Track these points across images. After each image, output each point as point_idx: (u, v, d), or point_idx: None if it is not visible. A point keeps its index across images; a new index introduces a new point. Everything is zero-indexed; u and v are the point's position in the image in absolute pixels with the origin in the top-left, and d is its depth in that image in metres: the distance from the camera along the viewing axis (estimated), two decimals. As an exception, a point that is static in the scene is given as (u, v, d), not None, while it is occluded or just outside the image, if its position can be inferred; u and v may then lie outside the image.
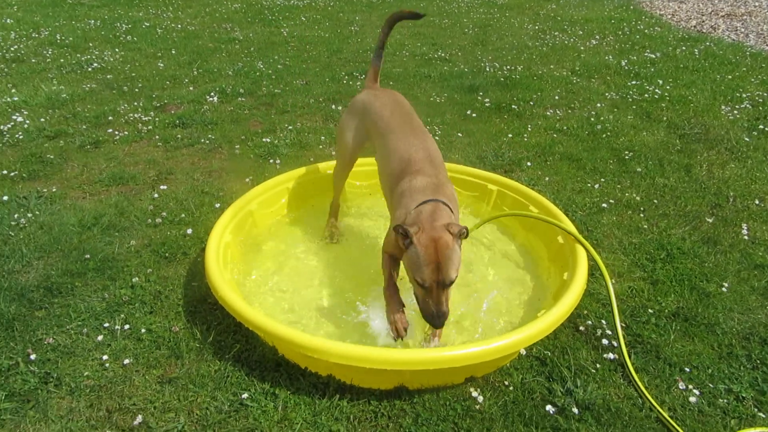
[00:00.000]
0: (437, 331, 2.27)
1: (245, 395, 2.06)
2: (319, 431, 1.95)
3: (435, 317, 1.99)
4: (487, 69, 5.69)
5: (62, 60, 5.70)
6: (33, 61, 5.67)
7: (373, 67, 2.82)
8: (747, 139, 4.19)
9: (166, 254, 2.84)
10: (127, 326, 2.37)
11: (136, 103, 4.71)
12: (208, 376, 2.15)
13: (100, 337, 2.30)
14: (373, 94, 2.69)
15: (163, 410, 2.02)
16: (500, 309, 2.52)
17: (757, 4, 8.85)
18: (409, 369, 1.94)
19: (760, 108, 4.74)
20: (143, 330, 2.35)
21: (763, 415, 2.05)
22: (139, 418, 1.97)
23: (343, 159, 2.82)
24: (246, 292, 2.53)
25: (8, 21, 7.08)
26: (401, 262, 2.20)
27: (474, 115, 4.59)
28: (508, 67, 5.75)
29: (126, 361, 2.20)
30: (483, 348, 1.94)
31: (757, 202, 3.39)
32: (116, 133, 4.18)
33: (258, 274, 2.71)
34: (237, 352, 2.25)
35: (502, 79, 5.41)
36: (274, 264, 2.79)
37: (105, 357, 2.21)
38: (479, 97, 4.92)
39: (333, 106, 4.73)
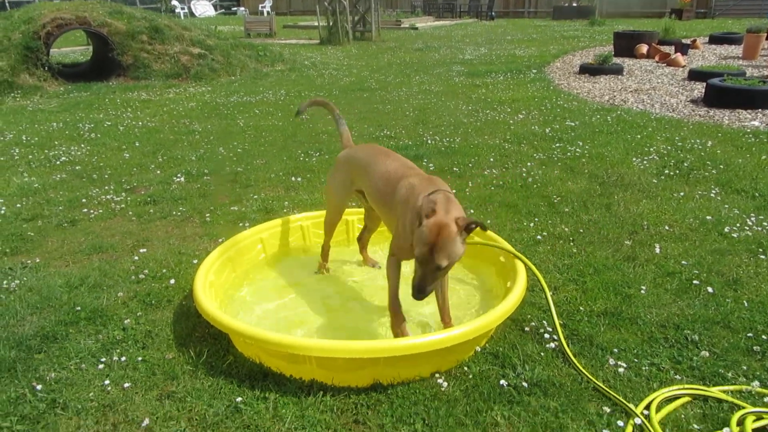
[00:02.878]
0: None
1: (239, 399, 2.32)
2: (308, 422, 2.22)
3: (414, 289, 2.29)
4: (429, 142, 6.33)
5: (30, 156, 6.01)
6: (1, 159, 5.96)
7: (342, 133, 3.30)
8: (655, 181, 4.85)
9: (153, 302, 3.11)
10: (123, 358, 2.61)
11: (106, 188, 5.04)
12: (203, 390, 2.40)
13: (100, 367, 2.54)
14: (353, 148, 3.13)
15: (165, 419, 2.25)
16: (458, 317, 2.89)
17: (659, 81, 10.08)
18: (383, 356, 2.26)
19: (665, 158, 5.48)
20: (139, 359, 2.59)
21: (679, 377, 2.45)
22: (145, 423, 2.20)
23: (331, 208, 3.24)
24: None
25: (-28, 127, 7.40)
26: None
27: (420, 178, 5.12)
28: (448, 139, 6.41)
29: (126, 385, 2.43)
30: (450, 334, 2.32)
31: (666, 227, 3.95)
32: (91, 212, 4.47)
33: (242, 303, 3.03)
34: (227, 368, 2.52)
35: (443, 148, 6.03)
36: (256, 297, 3.11)
37: (107, 382, 2.44)
38: (424, 163, 5.49)
39: (293, 179, 5.18)
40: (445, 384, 2.40)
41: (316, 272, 3.39)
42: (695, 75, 9.94)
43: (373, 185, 2.83)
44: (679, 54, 12.29)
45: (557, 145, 6.05)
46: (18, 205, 4.62)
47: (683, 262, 3.46)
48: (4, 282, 3.33)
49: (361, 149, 3.07)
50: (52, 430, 2.20)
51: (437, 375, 2.45)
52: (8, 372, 2.53)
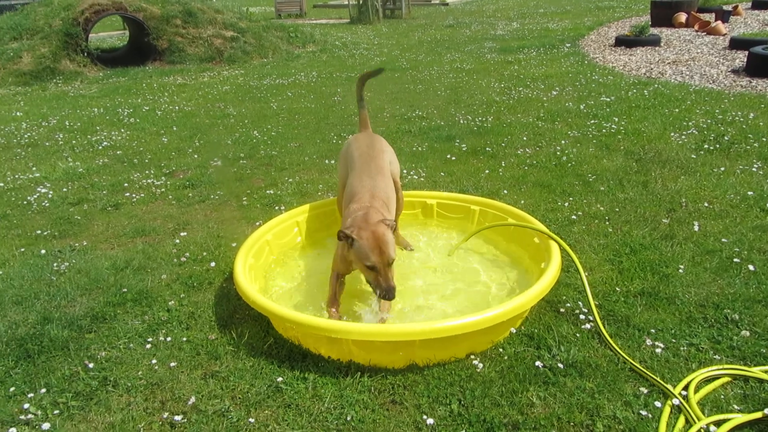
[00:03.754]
0: (386, 306, 2.75)
1: (279, 379, 2.40)
2: (346, 401, 2.28)
3: (387, 291, 2.51)
4: (461, 121, 6.29)
5: (74, 142, 6.21)
6: (47, 144, 6.17)
7: (360, 116, 3.53)
8: (694, 156, 4.74)
9: (194, 284, 3.21)
10: (168, 338, 2.72)
11: (147, 172, 5.18)
12: (245, 370, 2.49)
13: (147, 347, 2.65)
14: (356, 138, 3.40)
15: (210, 397, 2.35)
16: (492, 300, 2.91)
17: (698, 51, 9.75)
18: (420, 339, 2.30)
19: (705, 132, 5.33)
20: (184, 339, 2.70)
21: (718, 357, 2.43)
22: (191, 401, 2.30)
23: (340, 188, 3.33)
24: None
25: (18, 114, 7.66)
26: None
27: (453, 158, 5.12)
28: (480, 118, 6.36)
29: (172, 364, 2.54)
30: (484, 316, 2.34)
31: (706, 204, 3.87)
32: (133, 196, 4.61)
33: (277, 288, 3.11)
34: (268, 349, 2.60)
35: (475, 128, 5.99)
36: (290, 281, 3.18)
37: (154, 362, 2.55)
38: (456, 144, 5.47)
39: (326, 161, 5.23)
40: (481, 365, 2.43)
41: None
42: (737, 43, 9.59)
43: (346, 189, 3.08)
44: (719, 22, 11.84)
45: (592, 121, 5.94)
46: (64, 190, 4.79)
47: (723, 239, 3.39)
48: (54, 264, 3.49)
49: (359, 142, 3.28)
50: (104, 406, 2.32)
51: (472, 356, 2.48)
52: (62, 350, 2.66)
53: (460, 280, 3.11)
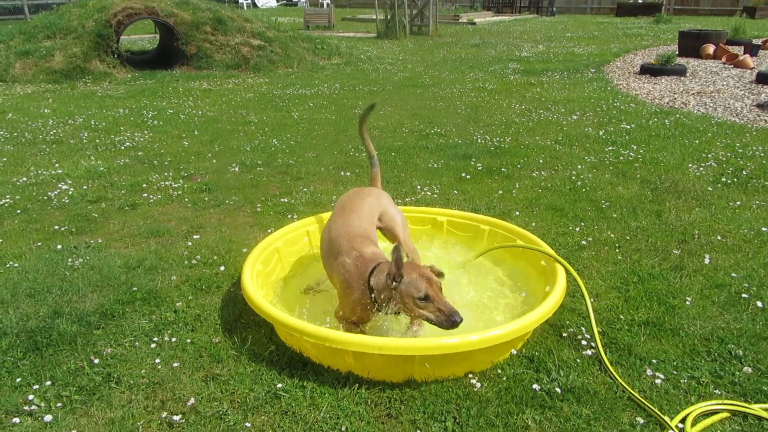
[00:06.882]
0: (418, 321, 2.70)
1: (279, 386, 2.43)
2: (342, 412, 2.31)
3: (451, 315, 2.35)
4: (479, 141, 6.32)
5: (97, 141, 6.35)
6: (71, 142, 6.32)
7: (371, 174, 3.51)
8: (711, 189, 4.71)
9: (203, 287, 3.27)
10: (173, 339, 2.76)
11: (166, 174, 5.28)
12: (246, 374, 2.52)
13: (152, 346, 2.70)
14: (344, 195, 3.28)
15: (209, 399, 2.38)
16: (495, 318, 2.92)
17: (724, 83, 9.69)
18: (421, 354, 2.32)
19: (724, 165, 5.30)
20: (188, 341, 2.75)
21: (719, 392, 2.41)
22: (191, 402, 2.34)
23: None
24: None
25: (46, 111, 7.86)
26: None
27: (468, 177, 5.14)
28: (498, 139, 6.38)
29: (175, 365, 2.58)
30: (484, 336, 2.35)
31: (719, 237, 3.85)
32: (150, 197, 4.70)
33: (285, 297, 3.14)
34: (269, 356, 2.63)
35: (492, 148, 6.01)
36: (297, 292, 3.22)
37: (157, 361, 2.60)
38: (472, 163, 5.50)
39: (342, 173, 5.29)
40: (479, 384, 2.44)
41: None
42: (764, 78, 9.52)
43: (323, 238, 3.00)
44: (747, 55, 11.76)
45: (610, 148, 5.93)
46: (84, 187, 4.90)
47: (733, 274, 3.36)
48: (69, 260, 3.57)
49: (343, 198, 3.20)
50: (106, 402, 2.37)
51: (470, 375, 2.49)
52: (69, 345, 2.72)
53: (465, 297, 3.12)
